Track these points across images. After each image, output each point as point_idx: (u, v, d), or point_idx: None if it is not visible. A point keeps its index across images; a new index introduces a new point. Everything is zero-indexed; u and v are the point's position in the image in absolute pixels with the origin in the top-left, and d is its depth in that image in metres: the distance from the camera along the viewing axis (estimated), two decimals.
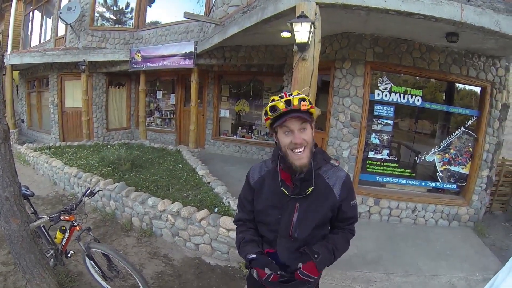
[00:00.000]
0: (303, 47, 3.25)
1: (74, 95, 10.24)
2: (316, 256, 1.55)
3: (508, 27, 3.62)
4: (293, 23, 3.22)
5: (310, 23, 3.18)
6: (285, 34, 5.38)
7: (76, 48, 9.59)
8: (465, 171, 5.45)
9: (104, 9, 10.29)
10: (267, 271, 1.55)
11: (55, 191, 6.21)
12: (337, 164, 1.71)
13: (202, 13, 8.35)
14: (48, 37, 11.35)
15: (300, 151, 1.51)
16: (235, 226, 1.85)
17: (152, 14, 10.19)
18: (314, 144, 1.62)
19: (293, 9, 3.50)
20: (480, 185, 5.41)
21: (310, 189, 1.56)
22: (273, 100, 1.52)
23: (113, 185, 5.05)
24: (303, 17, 3.23)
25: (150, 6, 10.16)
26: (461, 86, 5.45)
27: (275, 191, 1.62)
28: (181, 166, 6.72)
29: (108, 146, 8.38)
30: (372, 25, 4.49)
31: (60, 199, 5.77)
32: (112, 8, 10.38)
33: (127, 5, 10.34)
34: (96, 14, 9.98)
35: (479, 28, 3.61)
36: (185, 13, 6.37)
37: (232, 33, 5.38)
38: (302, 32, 3.20)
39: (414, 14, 3.50)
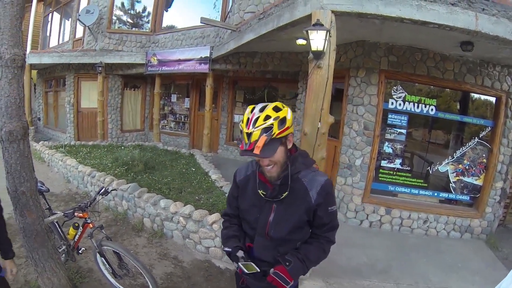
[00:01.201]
0: (319, 55, 3.27)
1: (90, 95, 10.45)
2: (287, 264, 1.59)
3: None
4: (309, 31, 3.23)
5: (325, 31, 3.19)
6: (301, 42, 5.40)
7: (94, 50, 9.79)
8: (479, 182, 5.37)
9: (121, 13, 10.50)
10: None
11: (69, 188, 6.32)
12: (316, 169, 1.71)
13: (218, 19, 8.44)
14: (66, 39, 11.61)
15: (269, 168, 1.56)
16: (222, 222, 1.94)
17: (169, 19, 10.37)
18: (288, 154, 1.61)
19: (309, 17, 3.51)
20: (494, 197, 5.32)
21: (285, 194, 1.60)
22: (249, 114, 1.52)
23: (126, 185, 5.12)
24: (318, 25, 3.24)
25: (167, 11, 10.34)
26: (476, 95, 5.39)
27: (256, 191, 1.68)
28: (194, 169, 6.77)
29: (122, 147, 8.51)
30: (386, 34, 4.50)
31: (73, 197, 5.87)
32: (129, 11, 10.59)
33: (144, 9, 10.53)
34: (114, 17, 10.19)
35: (494, 37, 3.59)
36: (201, 18, 6.44)
37: (248, 39, 5.43)
38: (317, 40, 3.21)
39: (429, 23, 3.48)
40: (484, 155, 5.34)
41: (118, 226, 4.76)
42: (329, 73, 3.34)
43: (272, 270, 1.60)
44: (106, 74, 9.96)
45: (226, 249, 1.70)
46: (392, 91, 5.08)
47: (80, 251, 3.29)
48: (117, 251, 2.96)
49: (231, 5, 7.48)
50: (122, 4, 10.39)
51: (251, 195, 1.72)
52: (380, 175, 5.29)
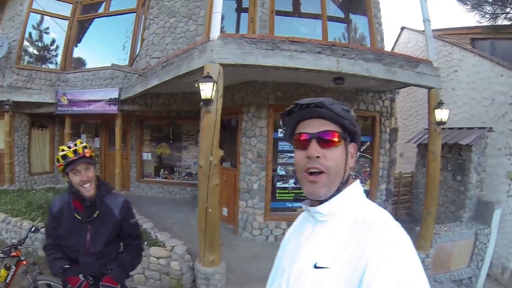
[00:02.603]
0: (208, 102, 3.87)
1: None
2: (110, 272, 2.07)
3: (376, 71, 4.62)
4: (200, 83, 3.84)
5: (213, 82, 3.84)
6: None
7: (1, 86, 9.07)
8: (366, 187, 6.37)
9: (30, 46, 9.99)
10: (81, 277, 2.02)
11: None
12: (114, 193, 2.25)
13: (127, 61, 8.75)
14: None
15: (87, 186, 2.03)
16: (46, 252, 2.21)
17: (79, 54, 10.26)
18: (97, 179, 2.14)
19: (202, 68, 4.13)
20: (381, 197, 6.42)
21: (96, 213, 2.07)
22: (63, 150, 1.98)
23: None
24: (208, 78, 3.86)
25: (77, 46, 10.16)
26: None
27: (72, 218, 2.08)
28: None
29: (33, 191, 8.03)
30: (271, 75, 5.30)
31: None
32: (37, 44, 10.12)
33: (53, 41, 10.18)
34: (23, 53, 9.64)
35: (353, 74, 4.55)
36: (112, 64, 6.78)
37: (153, 85, 5.85)
38: (206, 90, 3.81)
39: (300, 68, 4.34)
40: (367, 165, 6.43)
41: (41, 269, 4.78)
42: (217, 116, 3.96)
43: (101, 283, 2.03)
44: (13, 113, 9.18)
45: (66, 266, 2.01)
46: (280, 122, 5.82)
47: None
48: (51, 283, 3.12)
49: (139, 50, 7.84)
50: (30, 34, 9.85)
51: (67, 222, 2.08)
52: (277, 194, 5.95)
